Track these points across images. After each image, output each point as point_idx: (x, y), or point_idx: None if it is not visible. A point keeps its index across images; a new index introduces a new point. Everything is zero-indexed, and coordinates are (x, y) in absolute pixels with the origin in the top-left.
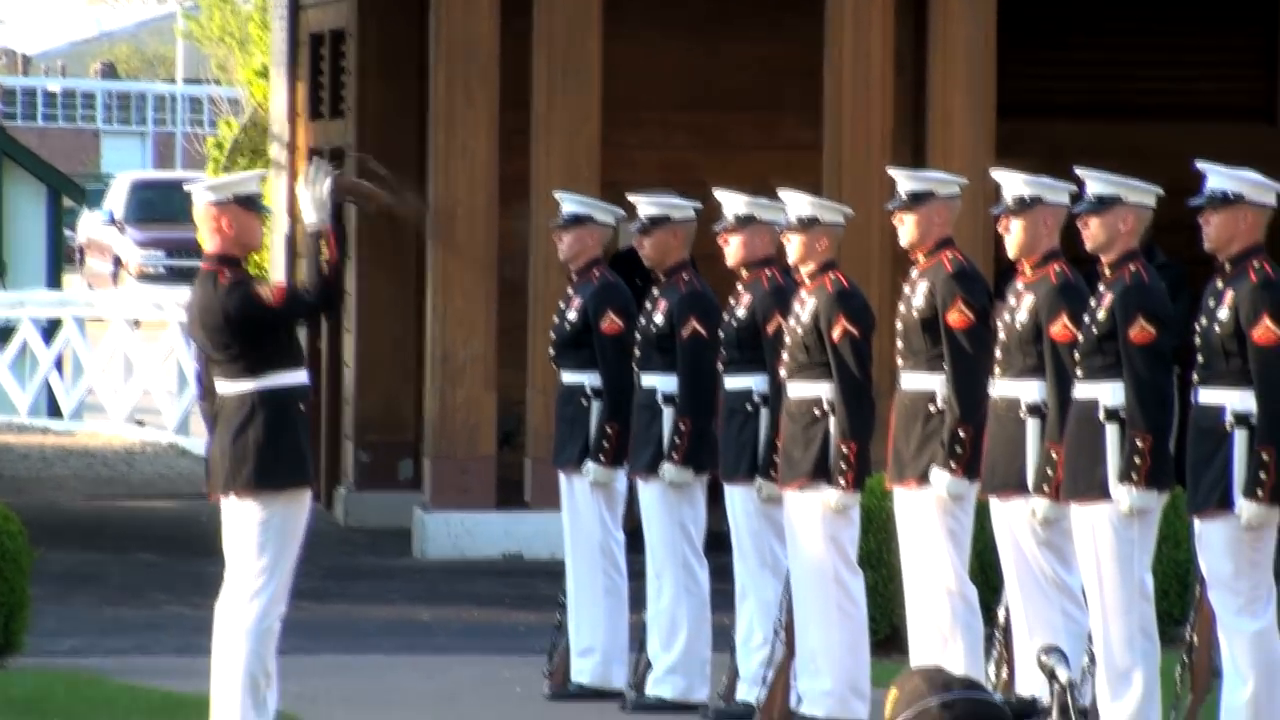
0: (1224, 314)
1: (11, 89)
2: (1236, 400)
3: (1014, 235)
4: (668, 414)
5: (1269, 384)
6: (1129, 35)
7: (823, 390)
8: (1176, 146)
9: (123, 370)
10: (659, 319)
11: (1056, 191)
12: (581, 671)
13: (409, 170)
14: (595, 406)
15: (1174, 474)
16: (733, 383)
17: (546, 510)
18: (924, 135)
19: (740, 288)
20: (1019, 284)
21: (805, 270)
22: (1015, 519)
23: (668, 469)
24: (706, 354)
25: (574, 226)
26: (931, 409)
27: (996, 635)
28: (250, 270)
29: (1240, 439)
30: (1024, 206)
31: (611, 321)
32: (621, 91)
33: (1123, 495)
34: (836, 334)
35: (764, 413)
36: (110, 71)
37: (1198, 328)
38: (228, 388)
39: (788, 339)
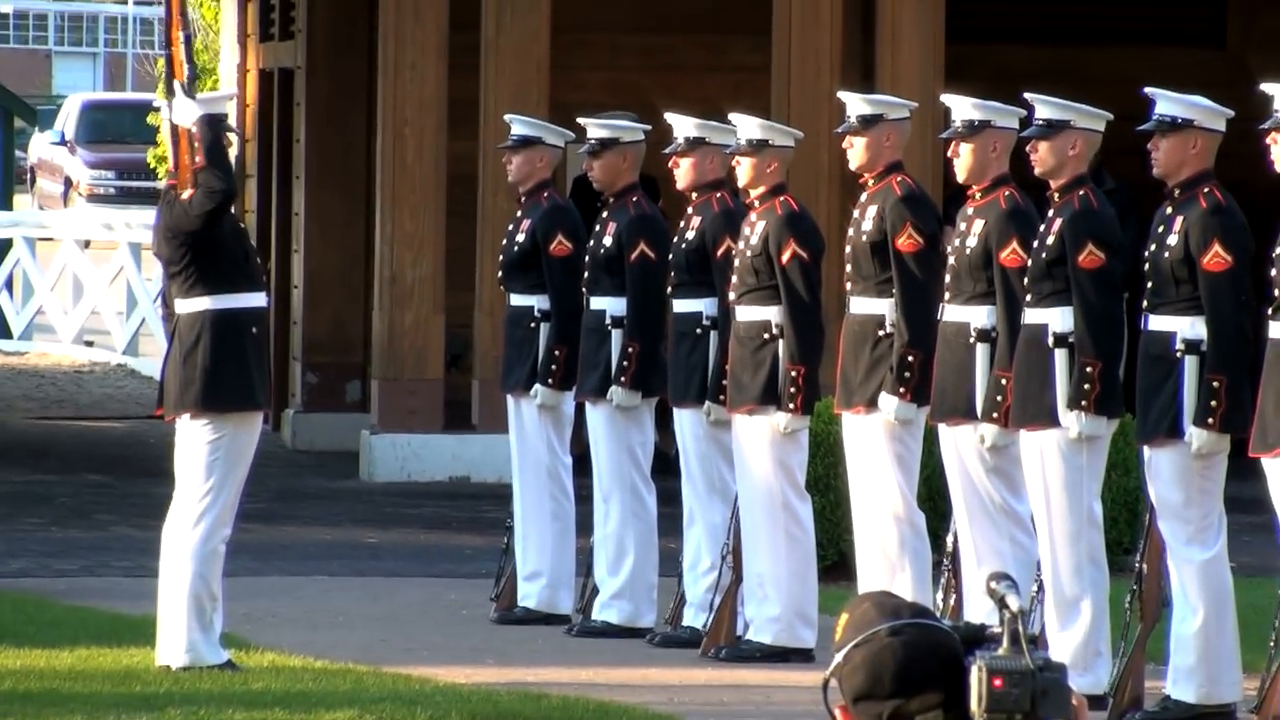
0: (1173, 240)
1: None
2: (1186, 327)
3: (963, 159)
4: (616, 337)
5: (1219, 311)
6: None
7: (771, 314)
8: (1126, 71)
9: (72, 291)
10: (608, 241)
11: (1006, 116)
12: (528, 595)
13: (357, 91)
14: (544, 329)
15: (1124, 401)
16: (682, 306)
17: (494, 433)
18: (873, 59)
19: (690, 210)
20: (968, 209)
21: (755, 193)
22: (964, 445)
23: (616, 392)
24: (655, 277)
25: (523, 148)
26: (880, 334)
27: (945, 562)
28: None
29: (1190, 366)
30: (973, 130)
31: (560, 244)
32: (570, 13)
33: (1072, 421)
34: (786, 257)
35: (713, 336)
36: None
37: (1147, 254)
38: (183, 306)
39: (737, 262)
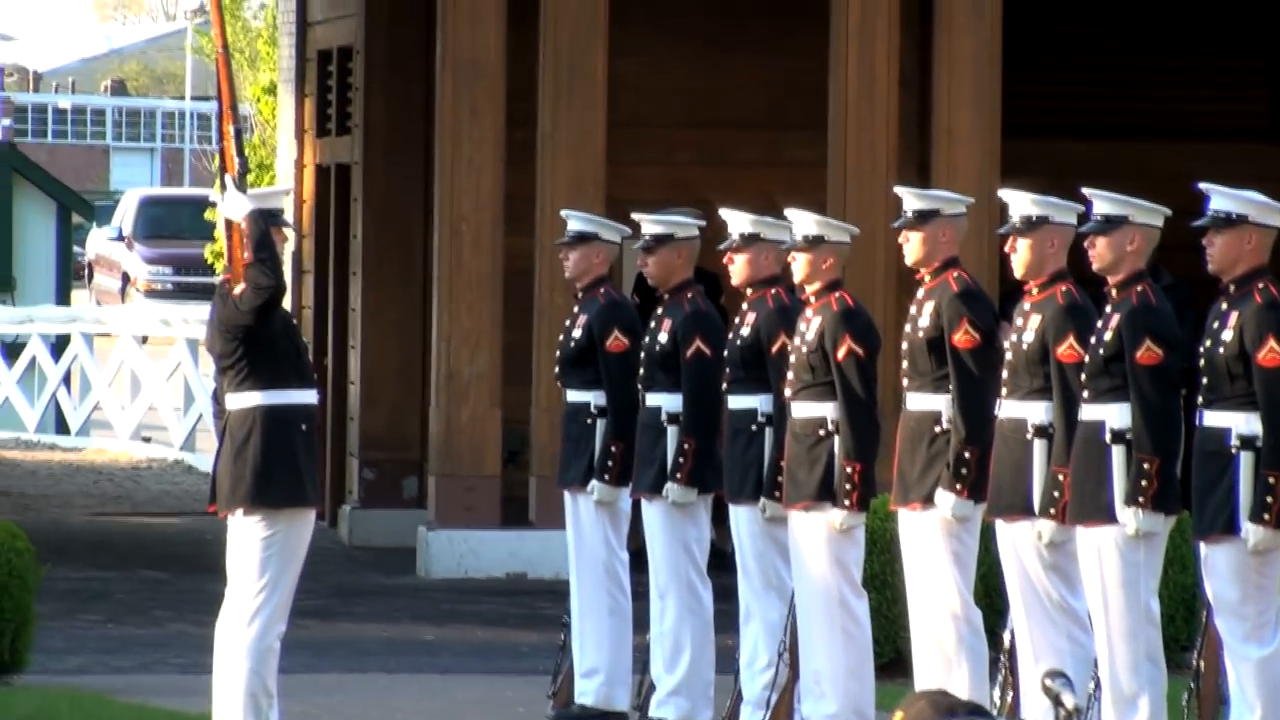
0: (1228, 336)
1: (22, 105)
2: (1241, 423)
3: (1020, 255)
4: (672, 433)
5: (1274, 406)
6: (1135, 54)
7: (827, 410)
8: (1182, 166)
9: (129, 387)
10: (664, 338)
11: (1063, 211)
12: (585, 692)
13: (414, 186)
14: (600, 425)
15: (1181, 497)
16: (737, 402)
17: (551, 529)
18: (929, 153)
19: (745, 306)
20: (1025, 304)
21: (810, 289)
22: (1021, 542)
23: (672, 489)
24: (711, 373)
25: (580, 244)
26: (937, 430)
27: (1001, 659)
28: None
29: (1246, 462)
30: (1031, 226)
31: (617, 340)
32: (626, 108)
33: (1129, 518)
34: (841, 354)
35: (768, 432)
36: (120, 88)
37: (1202, 350)
38: (234, 401)
39: (792, 358)
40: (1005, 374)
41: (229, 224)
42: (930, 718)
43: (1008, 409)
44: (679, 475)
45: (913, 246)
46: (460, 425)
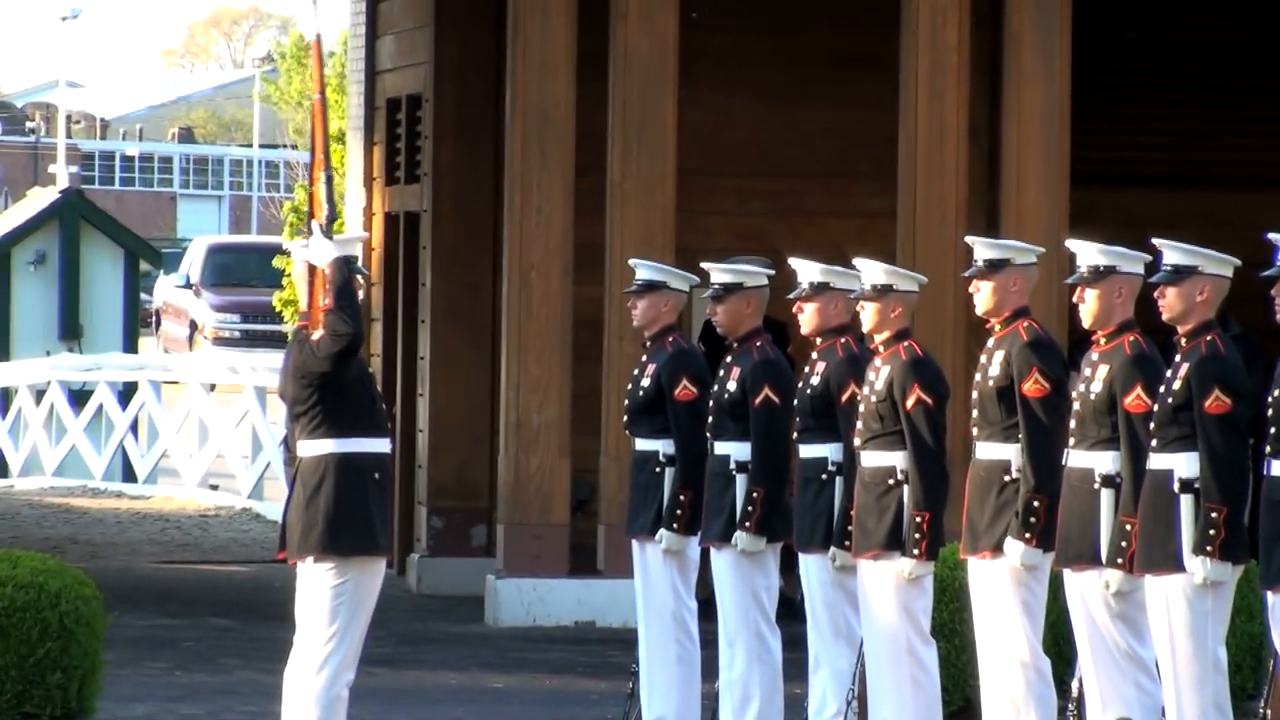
0: None
1: (90, 153)
2: None
3: (1089, 305)
4: (741, 482)
5: None
6: (1203, 104)
7: (896, 459)
8: (1252, 216)
9: (197, 434)
10: (732, 386)
11: (1131, 261)
12: None
13: (483, 234)
14: (668, 474)
15: (1249, 546)
16: (807, 451)
17: (619, 577)
18: (998, 203)
19: (815, 355)
20: (1094, 354)
21: (879, 338)
22: (1089, 590)
23: (741, 537)
24: (780, 422)
25: (648, 293)
26: (1006, 479)
27: (1070, 708)
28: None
29: None
30: (1099, 276)
31: (685, 388)
32: (695, 157)
33: (1197, 567)
34: (910, 403)
35: (838, 481)
36: (187, 135)
37: (1270, 400)
38: (307, 448)
39: (862, 407)
40: (1073, 424)
41: (311, 269)
42: None
43: (1075, 459)
44: (748, 524)
45: (983, 296)
46: (529, 474)
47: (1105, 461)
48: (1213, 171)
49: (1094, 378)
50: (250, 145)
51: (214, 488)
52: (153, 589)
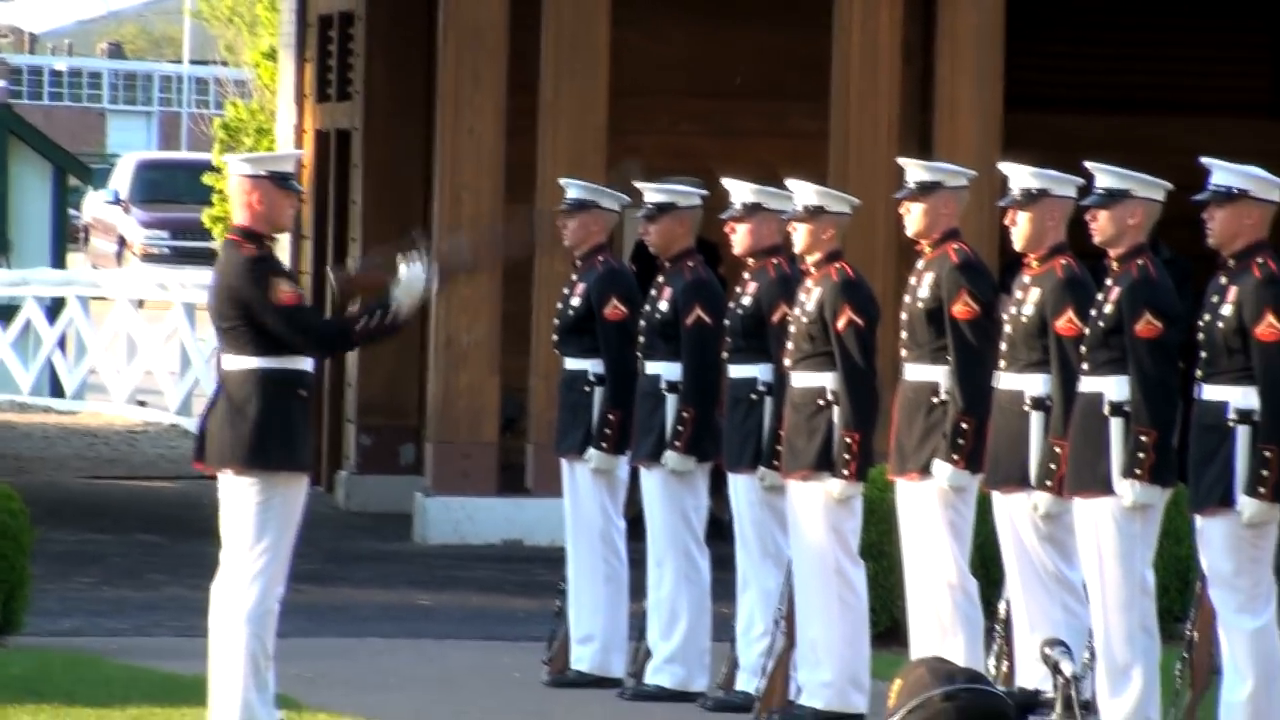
0: (1227, 310)
1: (18, 67)
2: (1239, 397)
3: (1020, 228)
4: (671, 402)
5: (1271, 381)
6: (1138, 29)
7: (827, 380)
8: (1184, 141)
9: (125, 350)
10: (664, 306)
11: (1064, 184)
12: (580, 659)
13: (414, 153)
14: (598, 393)
15: (1177, 470)
16: (737, 371)
17: (548, 496)
18: (931, 126)
19: (746, 276)
20: (1025, 277)
21: (811, 260)
22: (1017, 513)
23: (670, 457)
24: (711, 342)
25: (578, 212)
26: (934, 400)
27: (997, 629)
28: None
29: (1242, 436)
30: (1031, 199)
31: (615, 308)
32: (628, 77)
33: (1126, 490)
34: (841, 324)
35: (768, 402)
36: (117, 51)
37: (1201, 324)
38: (233, 363)
39: (792, 328)
40: (1003, 346)
41: (355, 282)
42: (928, 685)
43: (1005, 381)
44: (678, 443)
45: (914, 218)
46: (458, 392)
47: (1035, 384)
48: (1147, 96)
49: (1025, 300)
50: (180, 61)
51: (142, 404)
52: (80, 504)
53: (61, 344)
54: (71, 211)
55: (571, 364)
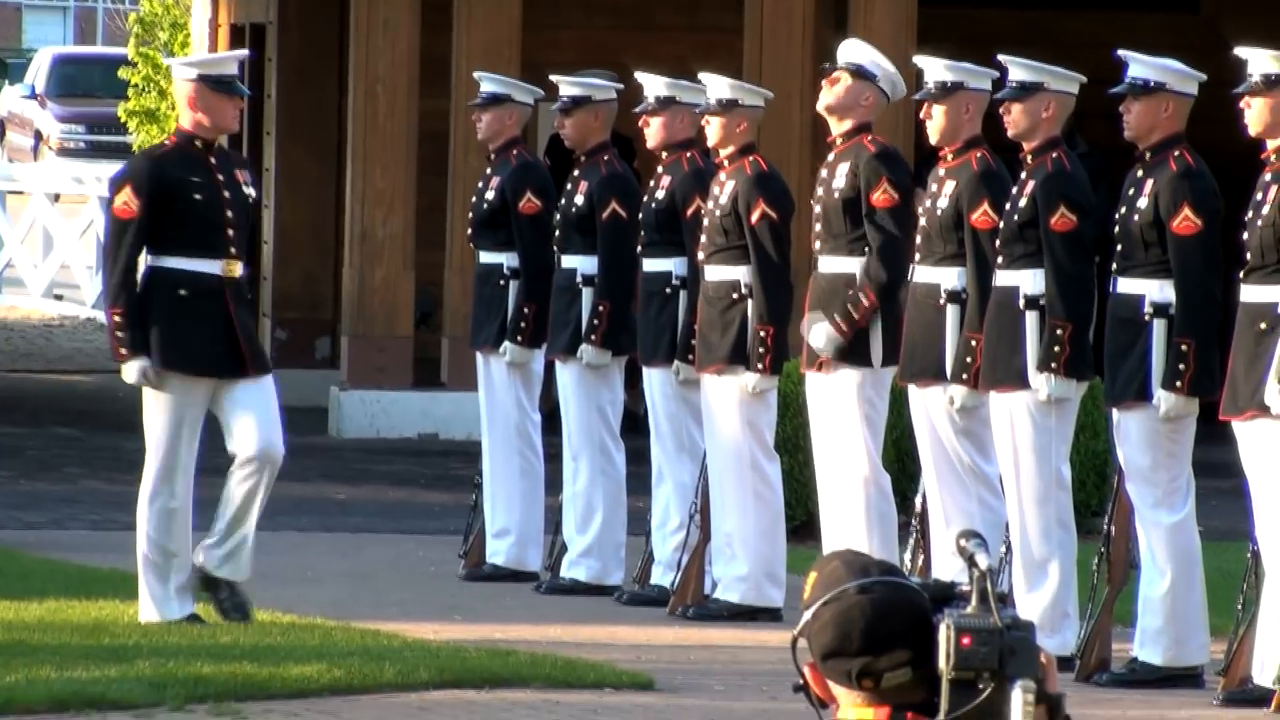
0: (1144, 203)
1: None
2: (1155, 290)
3: (935, 121)
4: (587, 295)
5: (1188, 274)
6: None
7: (740, 274)
8: (1100, 34)
9: (42, 244)
10: (579, 200)
11: (978, 77)
12: (496, 552)
13: (329, 47)
14: (513, 287)
15: (1093, 364)
16: (652, 265)
17: (463, 390)
18: (845, 20)
19: (660, 170)
20: (940, 170)
21: (724, 153)
22: (933, 406)
23: (586, 350)
24: (626, 236)
25: (493, 106)
26: (850, 292)
27: (913, 523)
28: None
29: (1159, 329)
30: (945, 92)
31: (529, 201)
32: None
33: (1041, 384)
34: (755, 217)
35: (682, 295)
36: None
37: (1117, 217)
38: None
39: (706, 222)
40: (919, 239)
41: None
42: (843, 578)
43: (921, 274)
44: (594, 337)
45: (827, 97)
46: (373, 286)
47: (951, 277)
48: None
49: (940, 193)
50: None
51: (59, 298)
52: None
53: None
54: None
55: (486, 258)
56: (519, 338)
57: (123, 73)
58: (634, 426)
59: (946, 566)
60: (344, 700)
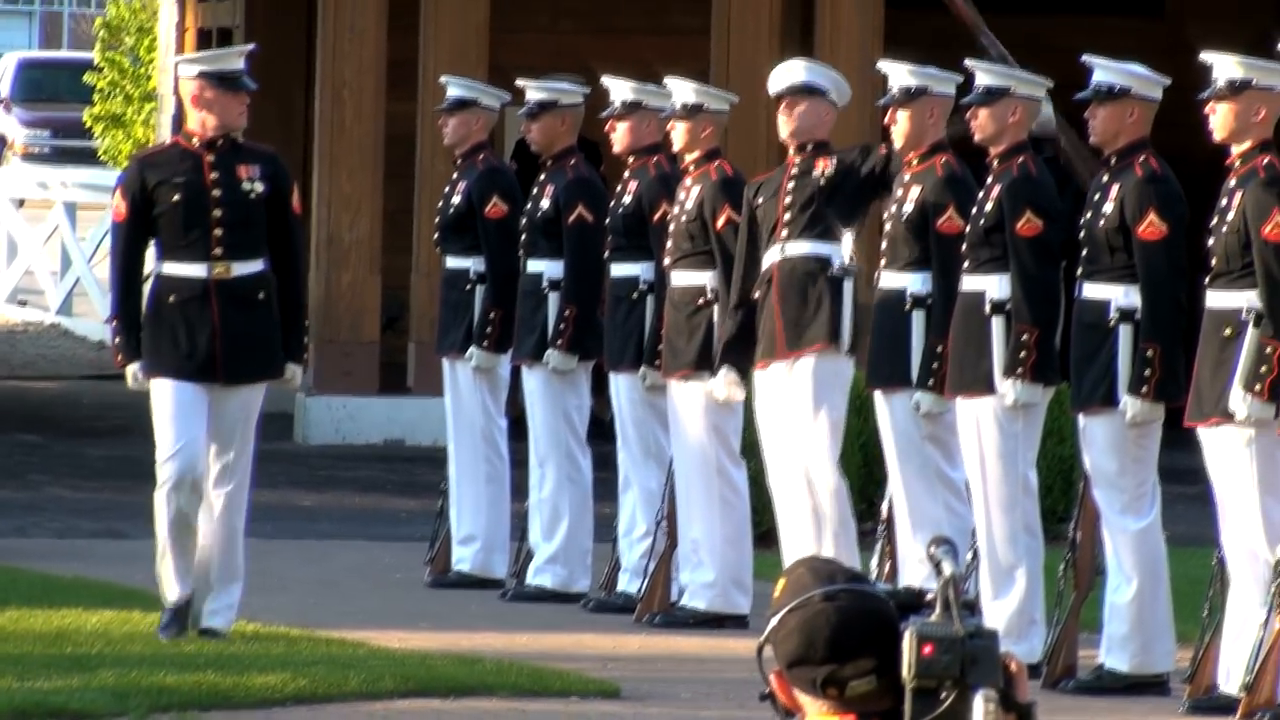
0: (1109, 208)
1: None
2: (1121, 296)
3: (900, 126)
4: (553, 300)
5: (1154, 279)
6: None
7: (707, 279)
8: (1065, 39)
9: (6, 250)
10: (545, 204)
11: (943, 82)
12: (462, 559)
13: (296, 51)
14: (479, 292)
15: (1059, 369)
16: (618, 270)
17: (429, 396)
18: (812, 23)
19: (627, 174)
20: (905, 175)
21: (689, 158)
22: (899, 412)
23: (552, 355)
24: (593, 241)
25: (459, 110)
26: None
27: (880, 529)
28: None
29: (1125, 335)
30: (910, 97)
31: (496, 206)
32: None
33: (1008, 389)
34: (721, 222)
35: (649, 301)
36: None
37: (1083, 222)
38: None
39: (672, 227)
40: (884, 244)
41: None
42: (809, 585)
43: (886, 280)
44: (560, 342)
45: (789, 120)
46: (339, 291)
47: (916, 283)
48: None
49: (905, 198)
50: None
51: (22, 304)
52: None
53: None
54: None
55: (453, 262)
56: (485, 343)
57: (88, 77)
58: (600, 432)
59: (913, 573)
60: (309, 710)
